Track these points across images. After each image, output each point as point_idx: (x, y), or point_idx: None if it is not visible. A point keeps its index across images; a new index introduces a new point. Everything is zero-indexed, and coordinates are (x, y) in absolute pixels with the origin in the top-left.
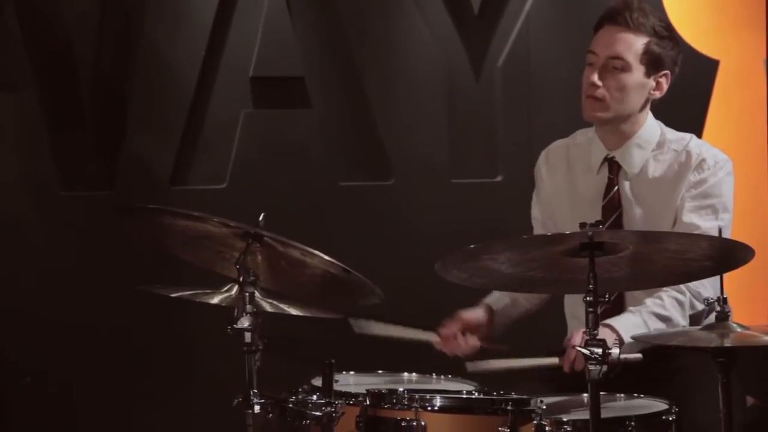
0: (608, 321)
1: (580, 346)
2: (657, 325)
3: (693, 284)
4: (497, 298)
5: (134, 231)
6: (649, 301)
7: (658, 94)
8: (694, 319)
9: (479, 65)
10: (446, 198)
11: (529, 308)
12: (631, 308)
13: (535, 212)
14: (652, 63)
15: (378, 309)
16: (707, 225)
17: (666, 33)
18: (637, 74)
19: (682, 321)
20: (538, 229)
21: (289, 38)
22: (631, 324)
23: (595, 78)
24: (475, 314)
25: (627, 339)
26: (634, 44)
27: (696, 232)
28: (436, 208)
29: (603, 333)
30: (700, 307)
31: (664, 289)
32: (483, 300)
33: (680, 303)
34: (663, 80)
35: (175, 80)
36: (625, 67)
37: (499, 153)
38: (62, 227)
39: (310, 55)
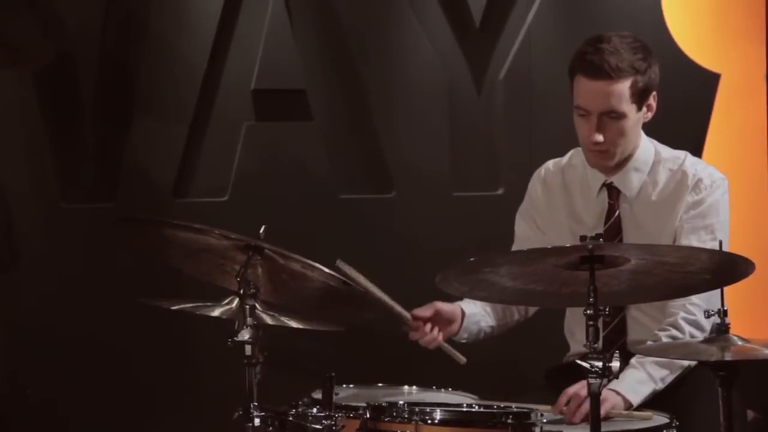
0: (612, 386)
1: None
2: (662, 374)
3: (689, 315)
4: (469, 305)
5: (135, 243)
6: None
7: (650, 116)
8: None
9: (480, 78)
10: (447, 211)
11: (490, 332)
12: (632, 361)
13: (524, 230)
14: (641, 96)
15: (378, 322)
16: (705, 246)
17: (644, 64)
18: (631, 114)
19: (686, 361)
20: (524, 247)
21: (290, 51)
22: (636, 382)
23: (596, 136)
24: (451, 309)
25: (636, 402)
26: (622, 93)
27: None
28: (437, 221)
29: (609, 398)
30: (700, 336)
31: (664, 327)
32: (458, 302)
33: (679, 340)
34: (652, 101)
35: (177, 93)
36: (621, 116)
37: (501, 166)
38: (64, 239)
39: (311, 68)
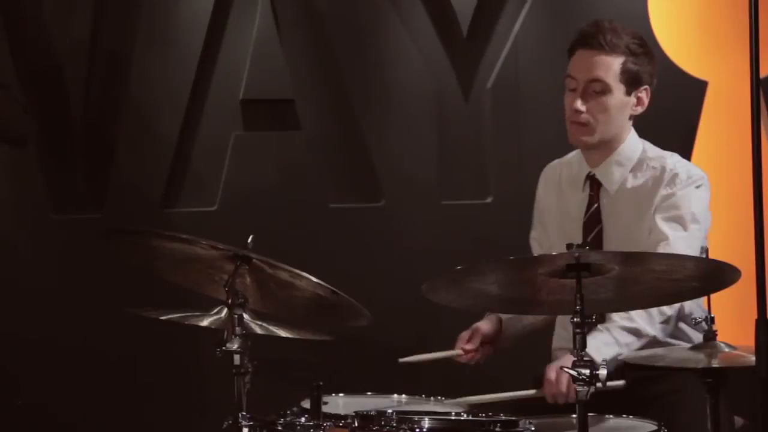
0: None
1: (566, 368)
2: (627, 339)
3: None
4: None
5: (123, 254)
6: (615, 315)
7: (640, 110)
8: (667, 325)
9: (468, 87)
10: (436, 219)
11: (535, 324)
12: (599, 326)
13: (534, 233)
14: (631, 81)
15: (367, 330)
16: (675, 234)
17: (640, 49)
18: (617, 94)
19: (651, 330)
20: (536, 251)
21: (278, 61)
22: (602, 344)
23: (578, 104)
24: (491, 326)
25: (599, 360)
26: (611, 65)
27: (664, 241)
28: (426, 229)
29: (566, 360)
30: (669, 312)
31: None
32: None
33: (647, 312)
34: (643, 95)
35: (166, 103)
36: (606, 89)
37: (489, 174)
38: (52, 250)
39: (299, 77)
